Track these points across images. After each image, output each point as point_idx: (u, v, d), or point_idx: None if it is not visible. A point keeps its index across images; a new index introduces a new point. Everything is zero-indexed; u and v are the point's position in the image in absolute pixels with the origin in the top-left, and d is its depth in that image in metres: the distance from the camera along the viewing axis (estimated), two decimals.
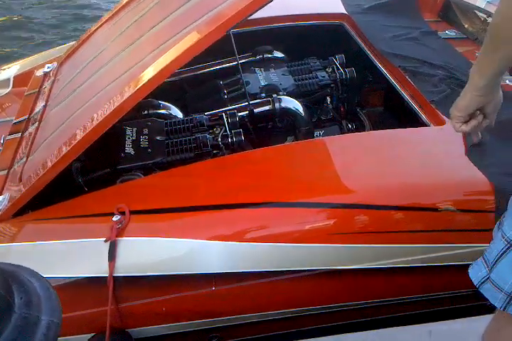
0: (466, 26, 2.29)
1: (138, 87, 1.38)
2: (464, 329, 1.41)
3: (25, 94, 2.06)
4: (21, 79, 2.21)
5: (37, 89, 2.05)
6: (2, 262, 0.76)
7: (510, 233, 0.95)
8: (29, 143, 1.68)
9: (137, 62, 1.56)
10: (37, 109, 1.88)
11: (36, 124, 1.76)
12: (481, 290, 1.02)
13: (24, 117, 1.88)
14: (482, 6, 2.17)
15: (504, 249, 0.95)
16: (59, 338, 0.72)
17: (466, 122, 1.12)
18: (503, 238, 0.96)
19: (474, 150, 1.44)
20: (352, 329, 1.47)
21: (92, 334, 1.31)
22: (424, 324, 1.44)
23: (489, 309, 1.19)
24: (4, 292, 0.66)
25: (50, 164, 1.41)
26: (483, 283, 1.01)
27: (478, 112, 1.11)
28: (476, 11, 2.26)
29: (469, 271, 1.06)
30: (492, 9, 2.12)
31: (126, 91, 1.40)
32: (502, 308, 0.98)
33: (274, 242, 1.33)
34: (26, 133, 1.77)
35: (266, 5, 1.41)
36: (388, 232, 1.37)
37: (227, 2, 1.49)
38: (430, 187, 1.40)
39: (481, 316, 1.34)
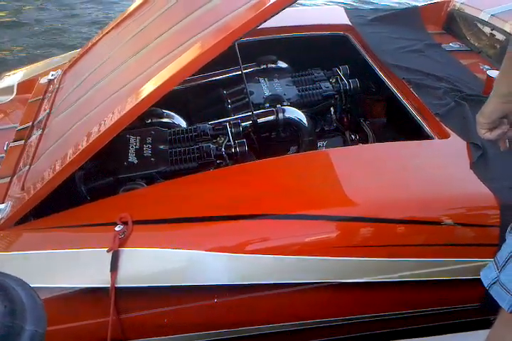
0: (470, 40, 2.30)
1: (143, 96, 1.38)
2: None
3: (29, 101, 2.06)
4: (25, 86, 2.22)
5: (41, 97, 2.05)
6: None
7: None
8: (32, 150, 1.67)
9: (142, 72, 1.56)
10: (41, 117, 1.88)
11: (40, 132, 1.76)
12: (490, 292, 1.02)
13: (28, 124, 1.87)
14: (486, 18, 2.19)
15: None
16: None
17: (491, 130, 1.11)
18: None
19: (479, 163, 1.44)
20: None
21: None
22: (423, 338, 1.42)
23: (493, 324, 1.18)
24: None
25: (53, 172, 1.40)
26: (493, 284, 1.01)
27: (505, 120, 1.10)
28: (480, 25, 2.27)
29: (481, 273, 1.06)
30: (496, 22, 2.13)
31: (131, 100, 1.40)
32: (509, 311, 0.97)
33: (277, 254, 1.32)
34: (30, 141, 1.77)
35: (273, 16, 1.42)
36: (391, 246, 1.36)
37: (233, 13, 1.50)
38: (434, 200, 1.39)
39: (483, 330, 1.31)
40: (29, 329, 0.65)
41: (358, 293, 1.41)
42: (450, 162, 1.51)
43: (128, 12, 2.15)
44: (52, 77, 2.15)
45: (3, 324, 0.63)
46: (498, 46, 2.15)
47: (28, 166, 1.59)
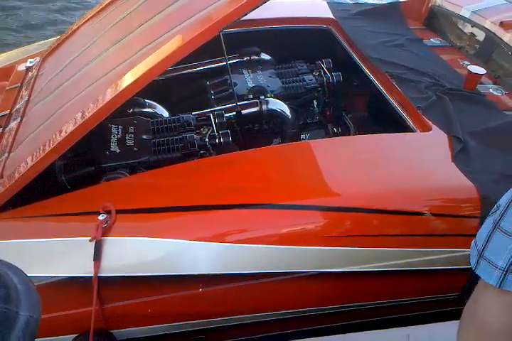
0: (450, 37, 2.33)
1: (125, 86, 1.35)
2: (443, 334, 1.41)
3: (7, 88, 2.01)
4: (2, 73, 2.16)
5: (19, 84, 2.00)
6: None
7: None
8: (11, 138, 1.63)
9: (125, 60, 1.54)
10: (19, 104, 1.83)
11: (18, 120, 1.71)
12: (476, 272, 1.01)
13: (5, 112, 1.83)
14: (467, 15, 2.22)
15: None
16: (41, 339, 0.69)
17: None
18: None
19: (460, 156, 1.47)
20: (333, 332, 1.47)
21: (75, 335, 1.28)
22: (403, 327, 1.43)
23: None
24: None
25: (33, 161, 1.37)
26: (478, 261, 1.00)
27: None
28: (460, 22, 2.30)
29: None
30: (477, 19, 2.17)
31: (113, 89, 1.38)
32: (497, 286, 0.96)
33: (262, 244, 1.32)
34: (8, 129, 1.72)
35: (259, 6, 1.41)
36: (373, 236, 1.38)
37: (218, 2, 1.48)
38: (417, 192, 1.41)
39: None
40: (24, 314, 0.64)
41: (342, 283, 1.42)
42: (432, 154, 1.53)
43: None
44: (31, 65, 2.10)
45: None
46: (477, 42, 2.18)
47: (6, 154, 1.55)
